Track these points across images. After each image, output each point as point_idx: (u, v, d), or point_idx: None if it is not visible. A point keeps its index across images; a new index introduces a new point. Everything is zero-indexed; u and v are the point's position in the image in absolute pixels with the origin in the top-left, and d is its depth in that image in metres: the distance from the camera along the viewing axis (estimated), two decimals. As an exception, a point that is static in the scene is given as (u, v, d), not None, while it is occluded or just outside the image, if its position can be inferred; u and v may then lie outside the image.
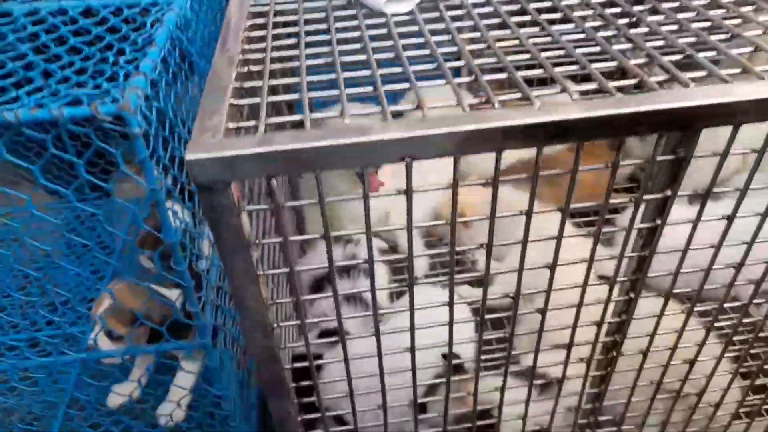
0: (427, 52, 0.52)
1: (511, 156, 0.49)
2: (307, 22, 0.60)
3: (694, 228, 0.49)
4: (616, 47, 0.50)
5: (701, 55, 0.48)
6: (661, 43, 0.51)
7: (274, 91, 0.49)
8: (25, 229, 0.69)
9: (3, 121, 0.43)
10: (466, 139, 0.40)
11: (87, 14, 0.69)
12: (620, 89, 0.42)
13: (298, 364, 0.60)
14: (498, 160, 0.42)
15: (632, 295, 0.53)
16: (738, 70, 0.45)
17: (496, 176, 0.43)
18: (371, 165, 0.41)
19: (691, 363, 0.61)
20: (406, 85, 0.47)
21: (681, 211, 0.49)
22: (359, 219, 0.47)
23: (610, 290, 0.52)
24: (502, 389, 0.61)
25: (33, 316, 1.04)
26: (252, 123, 0.43)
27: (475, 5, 0.61)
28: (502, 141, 0.40)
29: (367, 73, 0.49)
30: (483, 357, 0.65)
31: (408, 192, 0.43)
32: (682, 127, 0.41)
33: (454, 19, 0.58)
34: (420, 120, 0.40)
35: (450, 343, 0.56)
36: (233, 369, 0.81)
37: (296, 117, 0.43)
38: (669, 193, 0.46)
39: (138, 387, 0.92)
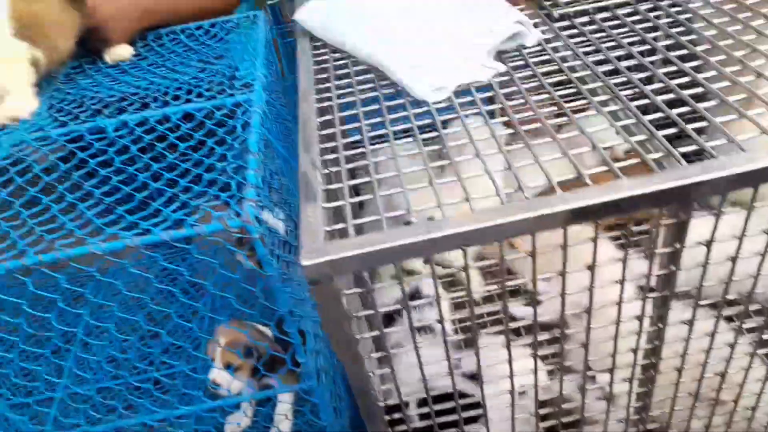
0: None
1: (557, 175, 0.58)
2: (366, 114, 0.73)
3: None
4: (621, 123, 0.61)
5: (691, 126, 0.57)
6: (659, 116, 0.61)
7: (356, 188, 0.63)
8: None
9: (157, 240, 0.58)
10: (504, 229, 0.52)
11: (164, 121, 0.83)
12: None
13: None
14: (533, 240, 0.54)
15: (660, 326, 0.64)
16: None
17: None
18: (438, 253, 0.53)
19: (722, 375, 0.71)
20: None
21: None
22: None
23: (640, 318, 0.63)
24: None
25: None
26: (342, 225, 0.57)
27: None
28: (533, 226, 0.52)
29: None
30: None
31: (466, 273, 0.56)
32: (678, 201, 0.52)
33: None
34: (476, 214, 0.52)
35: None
36: (329, 400, 0.95)
37: (374, 218, 0.57)
38: (678, 246, 0.57)
39: (247, 417, 1.08)
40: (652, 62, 0.67)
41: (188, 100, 0.86)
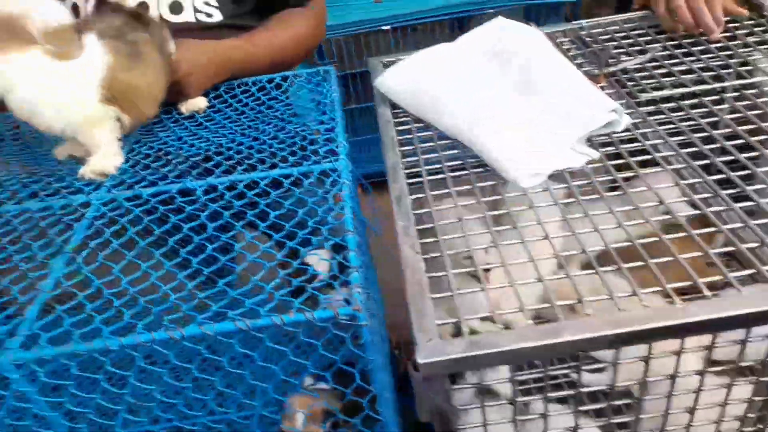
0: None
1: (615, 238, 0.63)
2: (459, 194, 0.74)
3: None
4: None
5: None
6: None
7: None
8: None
9: (268, 324, 0.60)
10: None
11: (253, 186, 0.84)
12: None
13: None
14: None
15: (761, 426, 0.64)
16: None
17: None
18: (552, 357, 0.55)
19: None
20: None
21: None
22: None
23: None
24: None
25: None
26: (453, 320, 0.58)
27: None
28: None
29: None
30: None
31: (579, 382, 0.56)
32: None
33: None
34: (592, 320, 0.53)
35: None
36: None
37: (484, 314, 0.58)
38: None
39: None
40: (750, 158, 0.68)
41: (273, 165, 0.88)
